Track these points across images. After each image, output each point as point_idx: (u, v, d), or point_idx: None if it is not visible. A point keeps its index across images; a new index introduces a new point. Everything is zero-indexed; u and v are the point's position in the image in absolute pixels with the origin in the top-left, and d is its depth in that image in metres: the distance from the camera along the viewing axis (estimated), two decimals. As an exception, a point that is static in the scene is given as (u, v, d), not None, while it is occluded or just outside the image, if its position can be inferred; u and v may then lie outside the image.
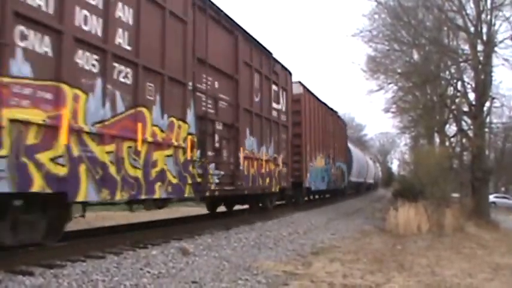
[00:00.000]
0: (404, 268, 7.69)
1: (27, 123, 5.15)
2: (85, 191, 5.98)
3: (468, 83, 21.34)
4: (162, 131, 7.75)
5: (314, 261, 7.80)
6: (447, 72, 23.14)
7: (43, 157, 5.36)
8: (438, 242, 11.30)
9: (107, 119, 6.45)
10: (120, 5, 6.83)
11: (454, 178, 21.40)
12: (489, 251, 10.57)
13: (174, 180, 8.06)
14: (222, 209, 13.94)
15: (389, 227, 13.49)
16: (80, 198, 5.93)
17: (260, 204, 13.67)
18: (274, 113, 13.62)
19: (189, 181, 8.53)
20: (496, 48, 19.77)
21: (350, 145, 31.66)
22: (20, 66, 5.12)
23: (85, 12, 6.14)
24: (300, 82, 17.10)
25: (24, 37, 5.21)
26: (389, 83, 24.24)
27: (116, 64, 6.67)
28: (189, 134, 8.61)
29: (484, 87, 19.46)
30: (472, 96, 20.82)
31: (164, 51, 7.90)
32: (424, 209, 14.22)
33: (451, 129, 25.47)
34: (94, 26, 6.31)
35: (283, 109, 14.49)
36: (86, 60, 6.12)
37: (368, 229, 13.69)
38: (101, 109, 6.35)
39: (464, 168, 23.02)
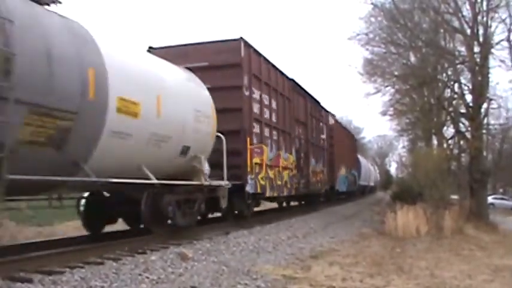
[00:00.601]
0: (404, 271, 7.79)
1: (256, 163, 12.36)
2: (268, 191, 13.20)
3: (465, 85, 21.40)
4: (285, 160, 15.01)
5: (313, 265, 7.90)
6: (444, 74, 23.18)
7: (259, 177, 12.57)
8: (437, 245, 11.52)
9: (272, 158, 13.70)
10: (272, 100, 14.06)
11: (452, 180, 21.53)
12: (488, 252, 10.73)
13: (289, 186, 15.32)
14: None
15: (388, 229, 13.83)
16: (266, 195, 13.18)
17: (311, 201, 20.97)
18: (321, 141, 21.01)
19: (294, 186, 15.81)
20: (492, 50, 19.93)
21: (358, 155, 39.07)
22: (254, 139, 12.32)
23: (265, 109, 13.39)
24: (334, 117, 24.56)
25: (254, 127, 12.42)
26: (387, 86, 24.47)
27: (273, 131, 13.93)
28: (293, 160, 15.88)
29: (481, 89, 19.63)
30: (469, 98, 20.99)
31: (285, 118, 15.17)
32: (422, 212, 14.52)
33: (449, 131, 25.35)
34: (267, 114, 13.55)
35: (325, 137, 21.89)
36: (265, 131, 13.34)
37: (367, 232, 14.06)
38: (270, 153, 13.60)
39: (463, 170, 23.09)
